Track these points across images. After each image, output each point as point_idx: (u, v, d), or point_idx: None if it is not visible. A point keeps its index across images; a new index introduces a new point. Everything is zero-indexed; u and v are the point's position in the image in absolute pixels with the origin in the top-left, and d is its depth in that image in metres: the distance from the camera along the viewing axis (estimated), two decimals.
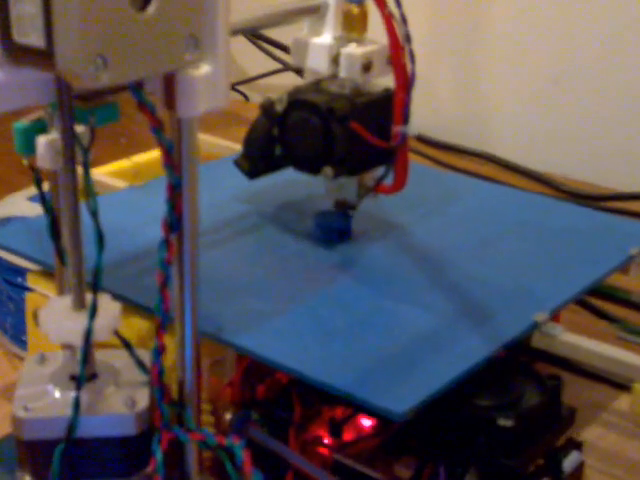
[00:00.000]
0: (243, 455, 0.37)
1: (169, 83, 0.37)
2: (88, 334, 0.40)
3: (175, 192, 0.38)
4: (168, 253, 0.39)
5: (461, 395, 0.44)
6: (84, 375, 0.41)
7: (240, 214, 0.61)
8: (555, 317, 0.52)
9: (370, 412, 0.46)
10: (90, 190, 0.40)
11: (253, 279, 0.53)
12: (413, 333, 0.47)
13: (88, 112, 0.39)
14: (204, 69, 0.37)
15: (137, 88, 0.35)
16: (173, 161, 0.38)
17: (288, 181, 0.63)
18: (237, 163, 0.58)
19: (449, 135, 1.00)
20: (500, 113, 1.00)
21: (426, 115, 1.01)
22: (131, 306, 0.49)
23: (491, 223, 0.60)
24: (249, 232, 0.59)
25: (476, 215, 0.62)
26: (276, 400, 0.49)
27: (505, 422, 0.43)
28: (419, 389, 0.42)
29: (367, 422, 0.49)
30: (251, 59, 1.12)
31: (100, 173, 0.75)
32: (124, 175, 0.75)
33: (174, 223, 0.39)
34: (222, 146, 0.75)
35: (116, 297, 0.45)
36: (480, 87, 1.01)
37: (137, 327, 0.48)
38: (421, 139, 0.99)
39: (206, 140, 0.81)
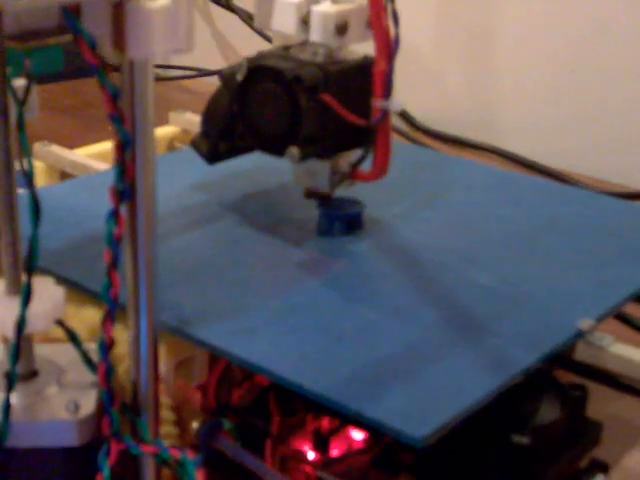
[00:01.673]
0: (195, 475, 0.31)
1: (118, 16, 0.31)
2: (20, 322, 0.34)
3: (125, 151, 0.32)
4: (117, 227, 0.33)
5: None
6: (15, 372, 0.35)
7: (202, 203, 0.54)
8: None
9: (364, 426, 0.40)
10: (25, 150, 0.33)
11: (226, 269, 0.47)
12: (431, 341, 0.41)
13: (23, 55, 0.33)
14: (160, 1, 0.30)
15: (72, 15, 0.29)
16: (121, 112, 0.31)
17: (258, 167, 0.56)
18: (194, 144, 0.51)
19: (457, 128, 0.95)
20: (512, 105, 0.95)
21: (432, 106, 0.97)
22: (84, 295, 0.43)
23: (512, 217, 0.54)
24: (220, 219, 0.52)
25: (492, 206, 0.55)
26: (252, 407, 0.44)
27: (520, 439, 0.38)
28: (442, 408, 0.36)
29: (358, 435, 0.44)
30: (247, 42, 1.06)
31: (81, 154, 0.70)
32: (107, 157, 0.70)
33: (125, 190, 0.33)
34: None
35: (69, 284, 0.41)
36: (492, 76, 0.97)
37: (89, 318, 0.42)
38: (426, 131, 0.95)
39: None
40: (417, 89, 0.97)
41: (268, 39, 1.02)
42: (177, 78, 1.04)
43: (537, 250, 0.50)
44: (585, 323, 0.42)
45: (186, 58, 1.19)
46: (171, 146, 0.76)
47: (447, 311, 0.44)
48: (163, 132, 0.76)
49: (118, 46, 0.31)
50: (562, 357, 0.44)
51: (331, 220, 0.51)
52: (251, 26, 1.05)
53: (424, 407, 0.37)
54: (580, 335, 0.43)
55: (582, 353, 0.44)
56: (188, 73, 1.03)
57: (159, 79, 1.07)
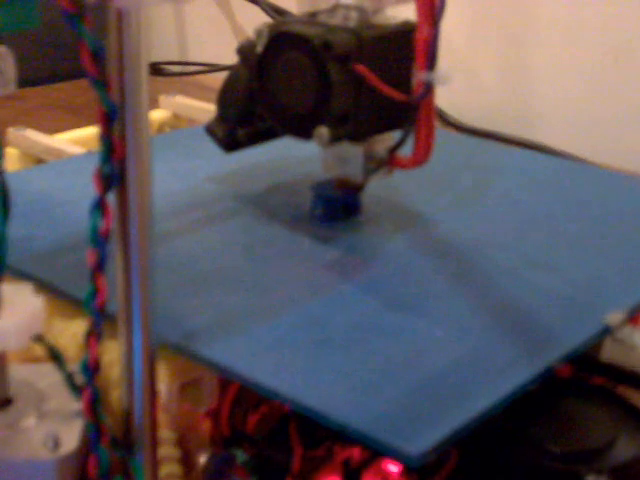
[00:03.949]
0: None
1: None
2: None
3: (111, 125, 0.26)
4: (104, 220, 0.27)
5: (526, 436, 0.34)
6: None
7: (216, 196, 0.49)
8: (634, 320, 0.42)
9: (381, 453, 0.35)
10: None
11: (238, 274, 0.42)
12: (435, 346, 0.37)
13: None
14: None
15: None
16: (104, 74, 0.25)
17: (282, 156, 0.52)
18: (209, 130, 0.46)
19: (491, 123, 0.93)
20: (551, 97, 0.93)
21: (466, 101, 0.95)
22: (72, 305, 0.38)
23: (533, 201, 0.51)
24: (228, 217, 0.47)
25: (525, 193, 0.52)
26: (270, 436, 0.39)
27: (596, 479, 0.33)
28: (443, 420, 0.32)
29: (393, 468, 0.38)
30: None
31: (60, 139, 0.65)
32: (87, 143, 0.65)
33: (112, 174, 0.27)
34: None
35: (54, 292, 0.37)
36: (527, 67, 0.94)
37: (78, 334, 0.36)
38: (459, 127, 0.92)
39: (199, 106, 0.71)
40: (449, 83, 0.94)
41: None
42: (193, 73, 1.00)
43: (561, 237, 0.47)
44: (613, 317, 0.39)
45: (204, 54, 1.14)
46: (161, 130, 0.72)
47: (455, 304, 0.40)
48: (152, 116, 0.71)
49: None
50: (585, 357, 0.41)
51: (326, 204, 0.46)
52: (275, 19, 1.00)
53: (422, 418, 0.32)
54: (608, 331, 0.39)
55: (610, 352, 0.40)
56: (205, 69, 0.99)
57: (173, 74, 1.03)
